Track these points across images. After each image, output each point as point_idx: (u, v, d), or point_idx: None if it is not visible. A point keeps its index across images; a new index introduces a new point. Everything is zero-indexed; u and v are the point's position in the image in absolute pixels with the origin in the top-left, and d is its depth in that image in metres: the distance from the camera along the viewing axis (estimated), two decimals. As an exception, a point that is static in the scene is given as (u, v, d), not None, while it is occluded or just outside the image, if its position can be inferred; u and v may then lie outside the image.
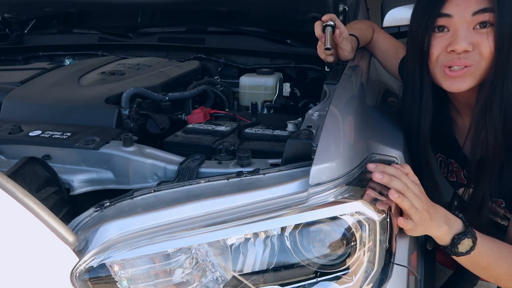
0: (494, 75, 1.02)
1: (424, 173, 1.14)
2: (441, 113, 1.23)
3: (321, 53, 1.33)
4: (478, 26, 1.01)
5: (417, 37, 1.09)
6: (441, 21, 1.05)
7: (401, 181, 0.90)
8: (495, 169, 1.07)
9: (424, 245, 1.07)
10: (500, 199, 1.13)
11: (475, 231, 0.97)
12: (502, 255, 1.00)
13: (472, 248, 0.95)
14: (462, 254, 0.96)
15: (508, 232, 1.11)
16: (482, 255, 0.98)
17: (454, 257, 0.98)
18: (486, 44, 1.00)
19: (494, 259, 0.99)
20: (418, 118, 1.16)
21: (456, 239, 0.95)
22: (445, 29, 1.05)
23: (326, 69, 1.33)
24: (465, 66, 1.03)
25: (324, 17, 1.30)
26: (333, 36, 1.29)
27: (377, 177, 0.88)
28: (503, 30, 0.99)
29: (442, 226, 0.94)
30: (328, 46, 1.29)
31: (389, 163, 0.98)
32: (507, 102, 1.04)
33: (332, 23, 1.29)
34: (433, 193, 1.04)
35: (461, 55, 1.02)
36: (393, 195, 0.87)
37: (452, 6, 1.02)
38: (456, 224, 0.96)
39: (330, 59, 1.35)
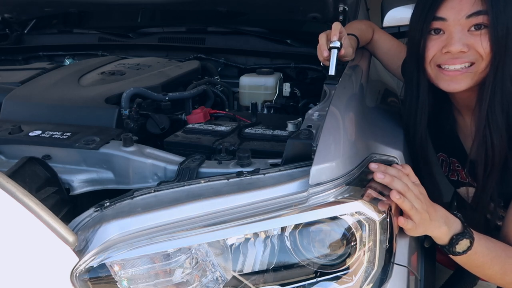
0: (494, 76, 1.03)
1: (422, 171, 1.14)
2: (441, 113, 1.23)
3: (320, 56, 1.31)
4: (472, 28, 1.04)
5: (414, 39, 1.12)
6: (436, 24, 1.07)
7: (402, 182, 0.90)
8: (499, 170, 1.07)
9: (422, 244, 1.07)
10: (499, 198, 1.14)
11: (473, 231, 0.98)
12: (496, 253, 1.01)
13: (469, 248, 0.96)
14: (459, 253, 0.97)
15: (502, 230, 1.11)
16: (478, 255, 0.98)
17: (450, 255, 0.99)
18: (480, 45, 1.02)
19: (489, 258, 1.00)
20: (415, 117, 1.18)
21: (455, 240, 0.95)
22: (441, 32, 1.08)
23: (323, 70, 1.32)
24: (469, 66, 1.05)
25: (333, 37, 1.23)
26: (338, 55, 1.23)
27: (379, 177, 0.89)
28: (497, 31, 1.01)
29: (442, 227, 0.95)
30: (333, 73, 1.23)
31: (389, 163, 0.98)
32: (508, 103, 1.05)
33: (339, 44, 1.22)
34: (433, 192, 1.05)
35: (457, 55, 1.05)
36: (394, 196, 0.88)
37: (446, 9, 1.05)
38: (455, 224, 0.97)
39: (328, 63, 1.34)
